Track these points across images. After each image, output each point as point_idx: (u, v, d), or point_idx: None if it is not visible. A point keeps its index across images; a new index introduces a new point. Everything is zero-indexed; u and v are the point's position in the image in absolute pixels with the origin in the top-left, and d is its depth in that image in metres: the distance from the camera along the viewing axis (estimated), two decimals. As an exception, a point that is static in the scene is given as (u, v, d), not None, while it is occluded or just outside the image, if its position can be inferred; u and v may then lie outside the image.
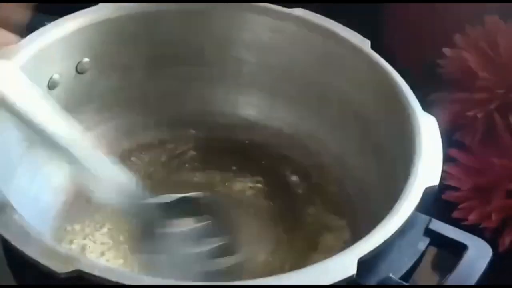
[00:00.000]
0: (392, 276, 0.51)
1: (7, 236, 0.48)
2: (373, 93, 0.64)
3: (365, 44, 0.65)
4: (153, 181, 0.68)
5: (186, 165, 0.69)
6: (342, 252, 0.49)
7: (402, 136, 0.59)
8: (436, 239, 0.54)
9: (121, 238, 0.63)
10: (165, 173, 0.69)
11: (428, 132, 0.58)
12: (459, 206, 0.68)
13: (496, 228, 0.67)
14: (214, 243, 0.57)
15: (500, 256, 0.64)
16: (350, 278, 0.48)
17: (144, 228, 0.55)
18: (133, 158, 0.69)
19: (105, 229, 0.63)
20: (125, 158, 0.69)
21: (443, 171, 0.55)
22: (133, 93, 0.69)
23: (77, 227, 0.63)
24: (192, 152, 0.70)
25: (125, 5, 0.66)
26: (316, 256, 0.63)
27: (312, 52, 0.67)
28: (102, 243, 0.62)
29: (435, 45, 0.74)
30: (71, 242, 0.62)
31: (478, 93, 0.71)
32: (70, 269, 0.46)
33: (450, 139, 0.70)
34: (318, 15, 0.67)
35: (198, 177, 0.69)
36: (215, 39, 0.69)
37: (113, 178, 0.54)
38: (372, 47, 0.64)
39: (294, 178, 0.69)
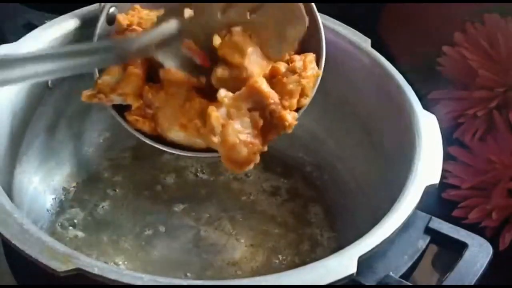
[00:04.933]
0: (392, 275, 0.51)
1: (7, 235, 0.48)
2: (373, 91, 0.64)
3: (366, 43, 0.65)
4: (154, 180, 0.68)
5: (187, 164, 0.69)
6: (342, 251, 0.49)
7: (402, 134, 0.59)
8: (436, 237, 0.54)
9: (114, 237, 0.63)
10: (165, 172, 0.69)
11: (429, 130, 0.58)
12: (460, 205, 0.68)
13: (497, 227, 0.67)
14: None
15: (501, 254, 0.64)
16: (350, 277, 0.48)
17: None
18: (133, 157, 0.70)
19: (105, 228, 0.64)
20: (125, 156, 0.69)
21: (443, 169, 0.55)
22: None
23: (77, 225, 0.63)
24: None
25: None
26: (316, 255, 0.63)
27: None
28: (102, 243, 0.62)
29: (436, 44, 0.74)
30: (71, 240, 0.62)
31: (478, 92, 0.71)
32: (70, 267, 0.46)
33: (450, 138, 0.70)
34: (319, 13, 0.66)
35: (199, 176, 0.69)
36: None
37: None
38: (373, 46, 0.64)
39: (294, 177, 0.69)
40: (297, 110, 0.56)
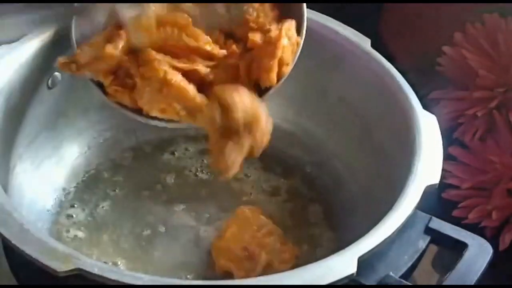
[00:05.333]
0: (392, 275, 0.51)
1: (7, 235, 0.48)
2: (373, 91, 0.64)
3: (365, 43, 0.65)
4: (154, 180, 0.68)
5: (187, 164, 0.69)
6: (342, 251, 0.49)
7: (402, 134, 0.59)
8: (436, 237, 0.54)
9: (114, 237, 0.63)
10: (165, 172, 0.69)
11: (428, 130, 0.58)
12: (459, 205, 0.68)
13: (497, 227, 0.67)
14: None
15: (501, 254, 0.64)
16: (350, 277, 0.48)
17: None
18: (133, 157, 0.70)
19: (105, 228, 0.64)
20: (125, 156, 0.69)
21: (443, 169, 0.55)
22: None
23: (77, 225, 0.63)
24: (192, 152, 0.70)
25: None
26: (316, 255, 0.63)
27: (312, 50, 0.67)
28: (102, 243, 0.63)
29: (436, 44, 0.74)
30: (71, 240, 0.62)
31: (478, 92, 0.71)
32: (70, 267, 0.46)
33: (450, 138, 0.70)
34: (319, 13, 0.66)
35: (199, 176, 0.69)
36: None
37: None
38: (373, 46, 0.65)
39: (294, 177, 0.69)
40: (278, 80, 0.56)
